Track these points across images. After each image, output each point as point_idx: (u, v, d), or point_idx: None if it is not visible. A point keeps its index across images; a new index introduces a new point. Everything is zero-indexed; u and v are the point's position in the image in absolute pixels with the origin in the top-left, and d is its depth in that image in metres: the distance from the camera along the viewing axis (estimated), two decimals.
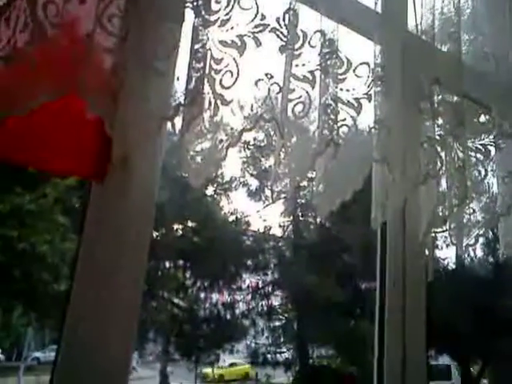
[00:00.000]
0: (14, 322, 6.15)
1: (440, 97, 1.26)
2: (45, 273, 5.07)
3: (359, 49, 1.19)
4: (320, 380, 8.10)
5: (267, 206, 8.63)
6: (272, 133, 1.01)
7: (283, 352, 8.49)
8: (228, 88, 0.88)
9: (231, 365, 8.57)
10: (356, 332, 7.24)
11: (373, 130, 1.12)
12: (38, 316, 6.08)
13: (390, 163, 1.11)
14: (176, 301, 7.97)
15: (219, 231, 7.88)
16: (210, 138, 0.90)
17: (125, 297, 0.84)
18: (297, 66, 1.00)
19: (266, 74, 0.95)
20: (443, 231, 1.26)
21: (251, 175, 8.50)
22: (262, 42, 0.94)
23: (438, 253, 7.14)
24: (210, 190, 8.20)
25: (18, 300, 5.57)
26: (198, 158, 0.91)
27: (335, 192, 1.10)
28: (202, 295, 8.23)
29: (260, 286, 8.54)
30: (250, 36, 0.92)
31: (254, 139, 7.44)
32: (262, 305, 8.45)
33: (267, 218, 8.69)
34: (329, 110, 1.02)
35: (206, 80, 0.87)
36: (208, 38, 0.89)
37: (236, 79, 0.88)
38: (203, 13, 0.89)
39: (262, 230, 8.64)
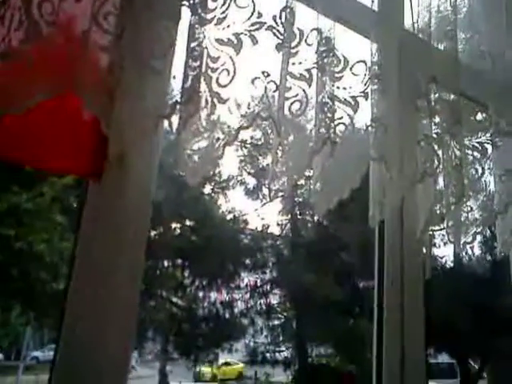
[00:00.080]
0: (13, 322, 6.15)
1: (437, 95, 1.26)
2: (43, 272, 5.07)
3: (356, 47, 1.19)
4: (319, 378, 8.12)
5: (265, 204, 8.65)
6: (269, 131, 1.01)
7: (282, 351, 8.51)
8: (225, 86, 0.88)
9: (224, 364, 8.55)
10: (355, 330, 7.26)
11: (370, 128, 1.12)
12: (36, 315, 6.08)
13: (387, 161, 1.11)
14: (174, 300, 7.98)
15: (217, 230, 7.88)
16: (207, 136, 0.90)
17: (122, 295, 0.84)
18: (293, 64, 1.00)
19: (263, 72, 0.94)
20: (441, 229, 1.27)
21: (248, 174, 8.51)
22: (258, 40, 0.93)
23: (435, 251, 7.17)
24: (207, 189, 8.22)
25: (17, 299, 5.57)
26: (195, 157, 0.91)
27: (333, 190, 1.10)
28: (201, 294, 8.24)
29: (258, 284, 8.56)
30: (246, 34, 0.92)
31: (251, 138, 7.45)
32: (260, 303, 8.47)
33: (265, 216, 8.71)
34: (326, 108, 1.02)
35: (202, 78, 0.87)
36: (204, 37, 0.88)
37: (233, 77, 0.88)
38: (199, 11, 0.89)
39: (259, 229, 8.66)
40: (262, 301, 8.46)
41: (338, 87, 1.08)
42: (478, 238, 1.35)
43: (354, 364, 7.69)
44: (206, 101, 0.87)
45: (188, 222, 8.04)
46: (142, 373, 7.53)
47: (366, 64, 1.13)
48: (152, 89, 0.84)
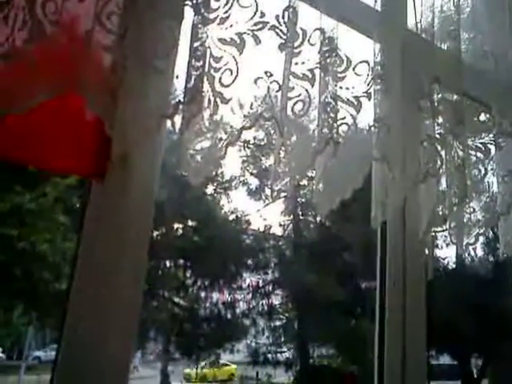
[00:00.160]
0: (15, 321, 6.15)
1: (440, 95, 1.26)
2: (45, 272, 5.08)
3: (359, 47, 1.19)
4: (321, 379, 8.10)
5: (267, 204, 8.63)
6: (272, 131, 1.00)
7: (284, 351, 8.49)
8: (227, 86, 0.88)
9: (216, 365, 8.44)
10: (357, 331, 7.24)
11: (372, 128, 1.12)
12: (38, 315, 6.08)
13: (390, 162, 1.11)
14: (176, 300, 7.97)
15: (219, 230, 7.87)
16: (210, 136, 0.90)
17: (125, 295, 0.84)
18: (296, 64, 1.00)
19: (266, 72, 0.94)
20: (443, 230, 1.26)
21: (251, 174, 8.50)
22: (261, 39, 0.93)
23: (438, 252, 7.16)
24: (209, 189, 8.21)
25: (19, 299, 5.57)
26: (198, 157, 0.91)
27: (335, 191, 1.10)
28: (203, 294, 8.23)
29: (260, 285, 8.54)
30: (249, 34, 0.92)
31: (254, 138, 7.43)
32: (262, 304, 8.45)
33: (267, 216, 8.69)
34: (328, 109, 1.02)
35: (205, 78, 0.87)
36: (207, 36, 0.88)
37: (235, 77, 0.88)
38: (202, 11, 0.89)
39: (262, 229, 8.64)
40: (263, 301, 8.45)
41: (340, 87, 1.08)
42: (481, 239, 1.35)
43: (356, 365, 7.66)
44: (209, 101, 0.87)
45: (190, 223, 8.03)
46: (143, 373, 7.52)
47: (368, 64, 1.13)
48: (155, 88, 0.84)
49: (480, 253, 7.70)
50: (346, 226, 7.29)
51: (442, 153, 1.22)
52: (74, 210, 5.30)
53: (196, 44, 0.87)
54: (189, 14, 0.89)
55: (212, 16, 0.90)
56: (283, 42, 0.97)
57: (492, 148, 1.39)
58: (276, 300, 8.60)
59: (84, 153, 0.87)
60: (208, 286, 8.21)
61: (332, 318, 7.70)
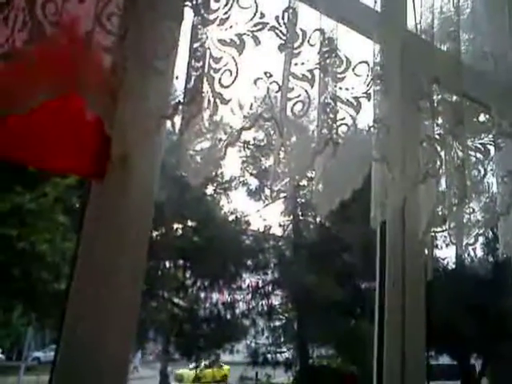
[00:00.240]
0: (14, 322, 6.14)
1: (439, 96, 1.26)
2: (45, 272, 5.07)
3: (358, 48, 1.19)
4: (320, 380, 8.10)
5: (267, 205, 8.63)
6: (271, 132, 1.01)
7: (283, 352, 8.48)
8: (227, 87, 0.88)
9: (209, 366, 8.39)
10: (356, 331, 7.23)
11: (372, 128, 1.12)
12: (38, 316, 6.08)
13: (390, 162, 1.11)
14: (176, 300, 7.97)
15: (219, 231, 7.87)
16: (210, 137, 0.90)
17: (124, 296, 0.84)
18: (296, 64, 1.00)
19: (265, 73, 0.95)
20: (443, 230, 1.26)
21: (251, 174, 8.49)
22: (261, 40, 0.94)
23: (437, 252, 7.15)
24: (209, 190, 8.20)
25: (18, 299, 5.56)
26: (198, 157, 0.91)
27: (335, 191, 1.11)
28: (202, 295, 8.22)
29: (260, 285, 8.53)
30: (249, 35, 0.92)
31: (254, 139, 7.42)
32: (262, 304, 8.44)
33: (267, 217, 8.68)
34: (328, 109, 1.02)
35: (205, 79, 0.87)
36: (207, 37, 0.89)
37: (235, 78, 0.88)
38: (202, 11, 0.89)
39: (261, 230, 8.63)
40: (263, 302, 8.44)
41: (340, 88, 1.08)
42: (480, 239, 1.35)
43: (356, 365, 7.66)
44: (209, 101, 0.87)
45: (190, 223, 8.03)
46: (143, 373, 7.51)
47: (368, 65, 1.13)
48: (155, 89, 0.84)
49: (480, 253, 7.71)
50: (345, 226, 7.29)
51: (442, 153, 1.22)
52: (74, 210, 5.30)
53: (196, 45, 0.88)
54: (189, 14, 0.89)
55: (212, 17, 0.90)
56: (283, 42, 0.97)
57: (491, 149, 1.39)
58: (276, 300, 8.60)
59: (84, 153, 0.87)
60: (208, 286, 8.20)
61: (332, 318, 7.69)
